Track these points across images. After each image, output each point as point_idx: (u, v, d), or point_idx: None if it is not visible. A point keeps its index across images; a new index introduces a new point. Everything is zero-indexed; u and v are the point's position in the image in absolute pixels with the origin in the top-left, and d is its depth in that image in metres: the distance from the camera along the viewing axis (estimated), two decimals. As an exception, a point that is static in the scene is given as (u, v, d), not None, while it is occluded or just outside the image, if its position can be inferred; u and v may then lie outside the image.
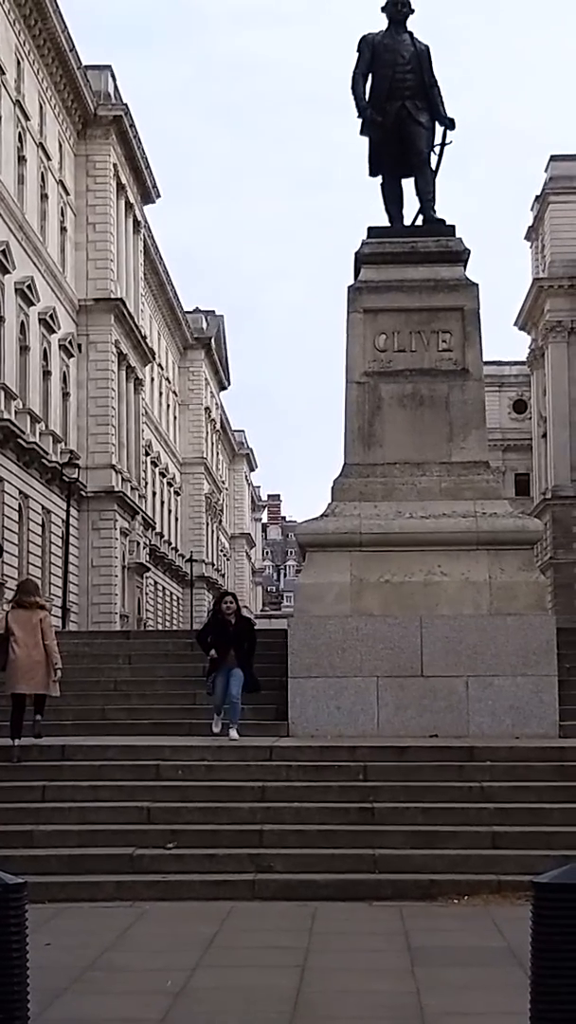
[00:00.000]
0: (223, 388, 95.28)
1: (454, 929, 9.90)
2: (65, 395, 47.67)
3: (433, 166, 17.95)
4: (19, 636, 14.42)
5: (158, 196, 60.54)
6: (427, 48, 18.01)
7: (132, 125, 53.03)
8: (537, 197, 69.34)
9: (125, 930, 9.88)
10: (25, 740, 14.23)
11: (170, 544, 69.95)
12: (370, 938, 9.64)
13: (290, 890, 11.07)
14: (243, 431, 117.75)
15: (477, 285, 17.51)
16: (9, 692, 14.63)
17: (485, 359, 17.82)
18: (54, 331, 45.10)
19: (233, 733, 14.72)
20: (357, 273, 17.94)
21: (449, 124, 17.83)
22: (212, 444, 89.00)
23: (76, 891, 11.05)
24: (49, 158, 45.65)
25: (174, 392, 76.32)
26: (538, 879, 5.77)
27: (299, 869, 11.44)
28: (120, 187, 53.33)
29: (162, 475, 69.24)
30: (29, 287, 41.35)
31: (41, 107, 44.80)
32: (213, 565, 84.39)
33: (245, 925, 10.05)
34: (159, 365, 68.86)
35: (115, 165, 52.08)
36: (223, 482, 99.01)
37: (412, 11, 18.20)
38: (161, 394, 71.19)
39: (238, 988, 8.06)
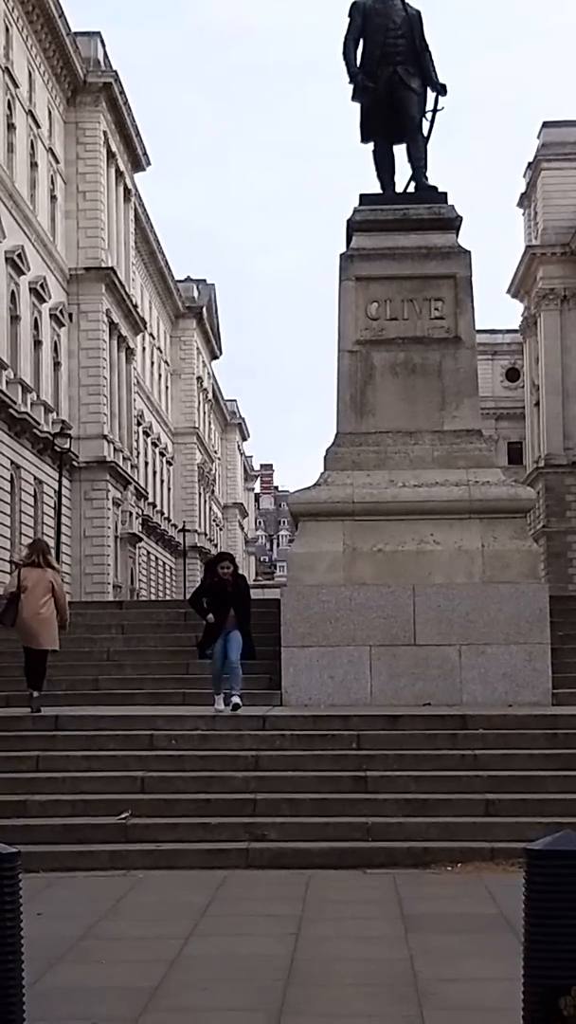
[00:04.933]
0: (215, 357, 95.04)
1: (447, 896, 9.94)
2: (56, 365, 47.52)
3: (425, 132, 17.84)
4: (30, 593, 14.66)
5: (148, 164, 60.24)
6: (418, 13, 17.86)
7: (122, 92, 52.66)
8: (530, 164, 69.00)
9: (119, 899, 9.91)
10: (22, 711, 14.35)
11: (163, 514, 69.92)
12: (363, 906, 9.67)
13: (284, 858, 11.10)
14: (235, 401, 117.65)
15: (469, 252, 17.44)
16: (23, 646, 15.05)
17: (478, 327, 17.76)
18: (44, 300, 44.91)
19: (236, 700, 14.38)
20: (349, 241, 17.84)
21: (441, 90, 17.71)
22: (204, 414, 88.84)
23: (70, 860, 11.08)
24: (39, 126, 45.34)
25: (166, 362, 76.12)
26: (531, 846, 5.77)
27: (293, 838, 11.47)
28: (110, 155, 53.00)
29: (154, 445, 69.13)
30: (19, 256, 41.16)
31: (30, 74, 44.46)
32: (206, 535, 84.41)
33: (239, 894, 10.08)
34: (150, 334, 68.63)
35: (105, 133, 51.74)
36: (215, 452, 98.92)
37: (403, -24, 18.03)
38: (153, 364, 71.00)
39: (232, 956, 8.09)
